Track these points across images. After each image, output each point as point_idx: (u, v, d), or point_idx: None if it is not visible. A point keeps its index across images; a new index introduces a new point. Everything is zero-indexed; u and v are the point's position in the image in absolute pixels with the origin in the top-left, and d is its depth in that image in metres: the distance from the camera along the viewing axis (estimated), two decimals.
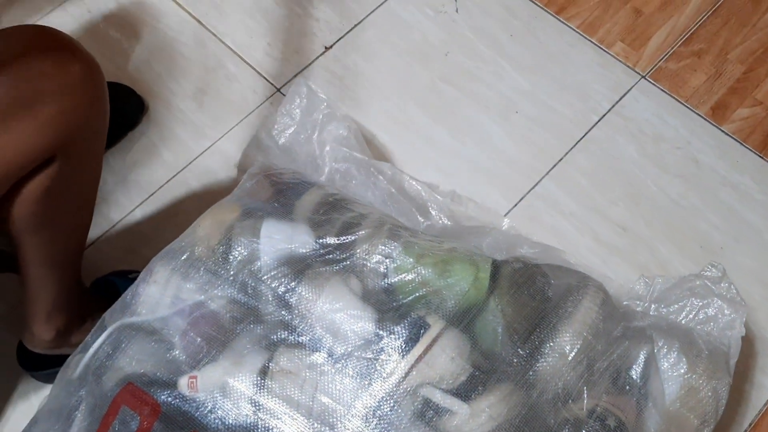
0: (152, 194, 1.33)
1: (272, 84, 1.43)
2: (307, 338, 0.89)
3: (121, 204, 1.33)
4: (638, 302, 1.13)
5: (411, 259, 0.95)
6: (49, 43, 0.85)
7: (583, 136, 1.38)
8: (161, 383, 0.89)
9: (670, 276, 1.15)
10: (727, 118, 1.39)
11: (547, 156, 1.36)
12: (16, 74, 0.81)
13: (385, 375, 0.85)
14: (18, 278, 1.02)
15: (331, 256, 0.95)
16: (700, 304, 1.08)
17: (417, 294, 0.93)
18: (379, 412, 0.84)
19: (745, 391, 1.17)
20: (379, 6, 1.51)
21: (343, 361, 0.87)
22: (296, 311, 0.90)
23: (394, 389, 0.84)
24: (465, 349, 0.88)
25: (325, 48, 1.47)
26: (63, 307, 1.06)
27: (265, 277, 0.93)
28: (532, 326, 0.92)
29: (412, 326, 0.88)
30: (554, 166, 1.35)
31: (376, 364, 0.86)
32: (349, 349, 0.87)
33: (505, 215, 1.30)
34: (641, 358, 0.97)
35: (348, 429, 0.83)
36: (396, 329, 0.87)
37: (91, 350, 0.94)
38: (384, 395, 0.84)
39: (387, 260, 0.95)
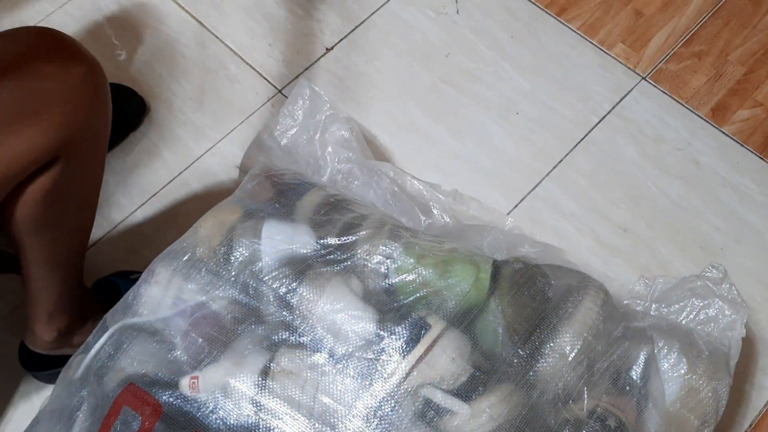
0: (153, 195, 1.34)
1: (273, 85, 1.43)
2: (308, 339, 0.89)
3: (122, 205, 1.33)
4: (639, 302, 1.13)
5: (412, 260, 0.95)
6: (51, 45, 0.85)
7: (584, 137, 1.38)
8: (163, 384, 0.89)
9: (670, 277, 1.15)
10: (728, 119, 1.39)
11: (547, 157, 1.36)
12: (19, 76, 0.81)
13: (386, 375, 0.85)
14: (20, 279, 1.02)
15: (332, 256, 0.95)
16: (701, 304, 1.08)
17: (418, 294, 0.93)
18: (380, 412, 0.84)
19: (745, 391, 1.17)
20: (380, 7, 1.51)
21: (344, 361, 0.87)
22: (297, 312, 0.91)
23: (395, 390, 0.85)
24: (466, 349, 0.88)
25: (326, 49, 1.47)
26: (65, 308, 1.06)
27: (267, 277, 0.93)
28: (532, 327, 0.93)
29: (413, 327, 0.88)
30: (555, 167, 1.35)
31: (377, 365, 0.86)
32: (350, 350, 0.87)
33: (506, 216, 1.30)
34: (641, 358, 0.97)
35: (349, 429, 0.84)
36: (397, 330, 0.88)
37: (93, 351, 0.94)
38: (385, 396, 0.84)
39: (388, 261, 0.95)
